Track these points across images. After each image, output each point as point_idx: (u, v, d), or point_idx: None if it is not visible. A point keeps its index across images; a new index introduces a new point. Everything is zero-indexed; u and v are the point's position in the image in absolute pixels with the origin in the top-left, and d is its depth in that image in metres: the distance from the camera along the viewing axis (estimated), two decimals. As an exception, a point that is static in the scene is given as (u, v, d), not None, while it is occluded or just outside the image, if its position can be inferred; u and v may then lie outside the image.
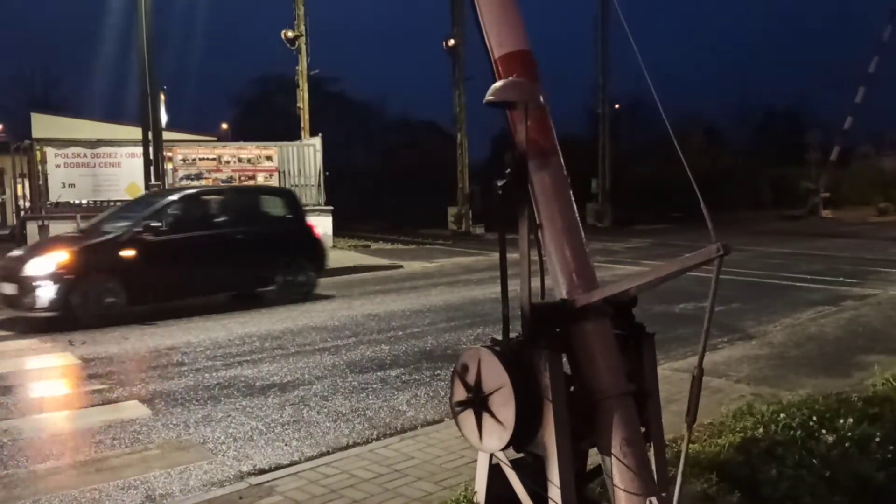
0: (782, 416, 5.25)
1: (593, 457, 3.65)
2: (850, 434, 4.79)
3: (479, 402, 3.18)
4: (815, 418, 5.13)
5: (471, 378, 3.22)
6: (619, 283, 3.14)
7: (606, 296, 3.10)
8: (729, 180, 37.94)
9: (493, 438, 3.17)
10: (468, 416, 3.24)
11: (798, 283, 13.58)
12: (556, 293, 3.31)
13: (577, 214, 3.37)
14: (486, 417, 3.17)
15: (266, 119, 46.22)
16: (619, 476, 2.92)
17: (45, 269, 10.71)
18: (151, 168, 16.52)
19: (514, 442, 3.13)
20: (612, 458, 2.99)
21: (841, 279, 13.99)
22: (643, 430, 3.33)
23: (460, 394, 3.27)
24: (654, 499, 2.83)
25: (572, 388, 3.19)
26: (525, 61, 3.30)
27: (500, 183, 3.26)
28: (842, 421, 5.04)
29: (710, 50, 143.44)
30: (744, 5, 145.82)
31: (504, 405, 3.08)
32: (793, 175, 37.75)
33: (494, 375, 3.11)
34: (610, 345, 3.17)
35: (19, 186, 23.22)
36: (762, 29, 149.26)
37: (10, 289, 10.86)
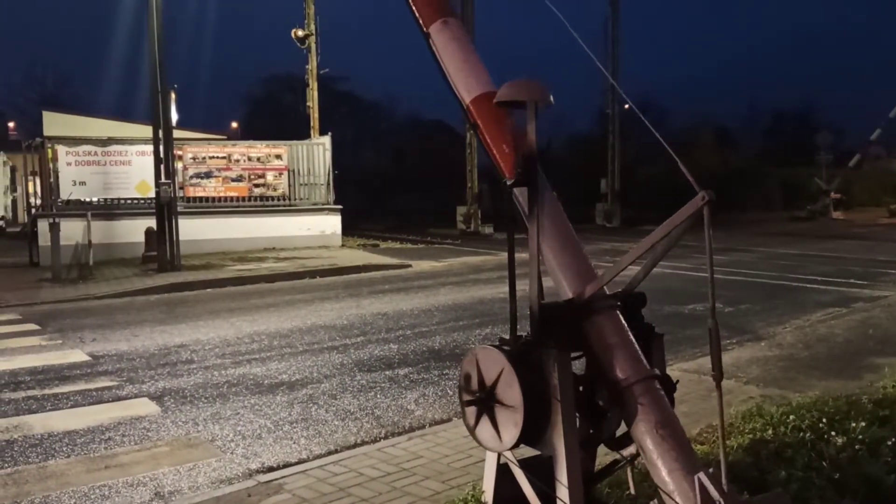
0: (791, 417, 5.23)
1: (601, 457, 3.65)
2: (860, 436, 4.77)
3: (487, 399, 3.17)
4: (824, 420, 5.11)
5: (480, 377, 3.22)
6: (618, 262, 3.13)
7: (613, 276, 3.09)
8: (739, 181, 37.81)
9: (490, 439, 3.16)
10: (476, 414, 3.23)
11: (808, 285, 13.52)
12: (561, 296, 3.32)
13: (567, 221, 3.42)
14: (495, 415, 3.16)
15: (275, 118, 46.34)
16: (662, 459, 2.83)
17: None
18: (162, 166, 16.57)
19: (523, 440, 3.12)
20: (650, 442, 2.90)
21: (851, 281, 13.92)
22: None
23: (469, 393, 3.26)
24: (701, 474, 2.74)
25: (581, 388, 3.19)
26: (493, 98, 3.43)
27: (509, 182, 3.26)
28: (852, 423, 5.01)
29: (721, 51, 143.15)
30: (753, 8, 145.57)
31: (510, 423, 3.07)
32: (803, 176, 37.61)
33: (510, 392, 3.09)
34: (625, 333, 3.15)
35: (30, 184, 23.38)
36: (771, 30, 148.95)
37: None
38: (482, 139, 3.51)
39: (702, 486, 2.65)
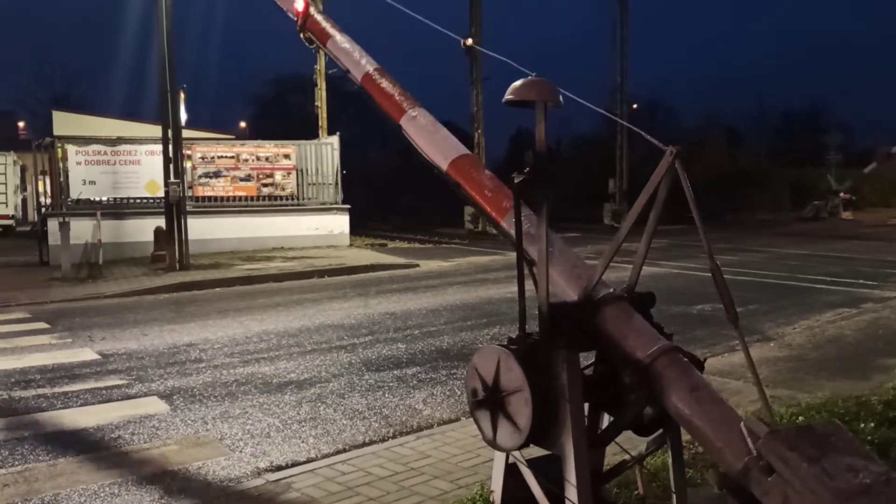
0: (801, 418, 5.21)
1: (609, 457, 3.65)
2: (869, 438, 4.75)
3: (493, 393, 3.17)
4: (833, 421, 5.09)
5: (483, 382, 3.22)
6: (613, 241, 3.23)
7: (612, 255, 3.20)
8: (747, 181, 37.71)
9: (504, 441, 3.16)
10: (484, 410, 3.24)
11: (817, 285, 13.47)
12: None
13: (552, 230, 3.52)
14: (506, 407, 3.16)
15: (284, 118, 46.44)
16: (703, 420, 2.81)
17: None
18: (171, 166, 16.63)
19: (530, 441, 3.12)
20: (687, 408, 2.86)
21: (861, 281, 13.86)
22: (660, 430, 3.32)
23: (478, 383, 3.26)
24: (744, 422, 2.67)
25: (594, 385, 3.20)
26: (468, 159, 4.03)
27: (517, 179, 3.26)
28: (861, 424, 5.00)
29: (730, 51, 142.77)
30: (762, 9, 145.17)
31: (521, 417, 3.07)
32: (812, 176, 37.48)
33: (516, 386, 3.10)
34: (638, 318, 3.17)
35: (40, 183, 23.42)
36: (780, 30, 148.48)
37: None
38: (466, 192, 3.92)
39: (750, 431, 2.60)
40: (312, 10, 5.18)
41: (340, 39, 4.92)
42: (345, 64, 4.80)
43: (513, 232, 3.48)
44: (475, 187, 3.88)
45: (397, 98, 4.43)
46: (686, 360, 3.03)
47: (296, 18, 5.19)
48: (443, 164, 4.03)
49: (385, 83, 4.54)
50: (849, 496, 2.26)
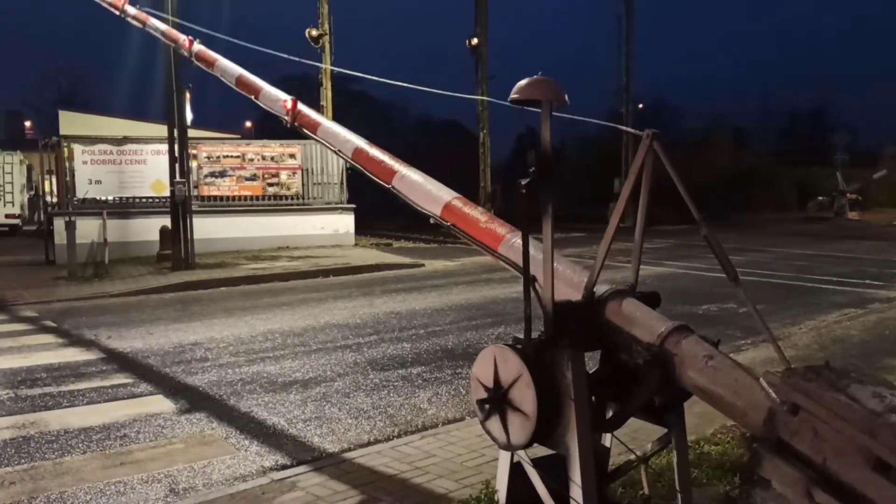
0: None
1: (615, 457, 3.65)
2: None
3: (501, 399, 3.17)
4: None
5: (493, 376, 3.22)
6: (605, 234, 3.30)
7: (606, 248, 3.25)
8: (753, 181, 37.66)
9: (516, 436, 3.16)
10: (492, 416, 3.24)
11: (823, 286, 13.44)
12: None
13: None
14: (509, 415, 3.16)
15: (289, 117, 46.33)
16: (723, 387, 2.78)
17: None
18: (177, 165, 16.67)
19: (536, 440, 3.12)
20: (705, 378, 2.84)
21: (867, 281, 13.82)
22: (665, 430, 3.32)
23: (482, 392, 3.26)
24: (762, 378, 2.67)
25: (599, 382, 3.20)
26: (458, 201, 4.19)
27: (523, 182, 3.26)
28: (867, 425, 4.97)
29: (735, 51, 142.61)
30: (767, 9, 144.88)
31: (526, 403, 3.08)
32: (818, 176, 37.41)
33: (516, 373, 3.11)
34: (641, 306, 3.17)
35: (47, 183, 23.50)
36: (782, 31, 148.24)
37: None
38: (461, 231, 4.12)
39: (769, 382, 2.56)
40: (300, 105, 5.65)
41: (328, 125, 5.38)
42: (334, 145, 5.19)
43: (509, 255, 3.64)
44: (469, 224, 4.05)
45: (388, 163, 4.71)
46: (696, 335, 3.03)
47: (286, 116, 5.67)
48: (436, 210, 4.23)
49: (374, 152, 4.87)
50: (880, 416, 2.20)
